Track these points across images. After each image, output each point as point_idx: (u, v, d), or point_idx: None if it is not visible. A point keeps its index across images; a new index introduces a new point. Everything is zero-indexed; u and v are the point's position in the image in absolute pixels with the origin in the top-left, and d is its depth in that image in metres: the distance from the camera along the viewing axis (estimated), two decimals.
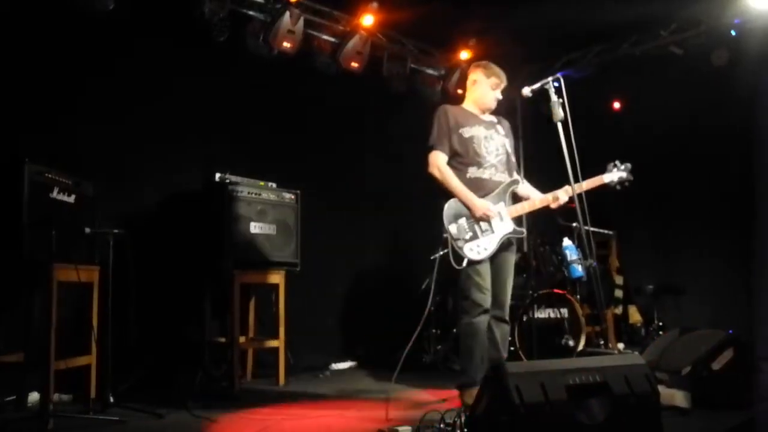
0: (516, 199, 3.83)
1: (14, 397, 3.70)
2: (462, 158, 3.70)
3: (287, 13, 5.07)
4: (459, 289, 3.65)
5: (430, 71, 6.44)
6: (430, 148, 3.73)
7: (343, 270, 5.83)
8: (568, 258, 5.36)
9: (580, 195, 3.50)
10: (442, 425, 2.97)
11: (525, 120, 6.82)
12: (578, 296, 5.46)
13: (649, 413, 2.58)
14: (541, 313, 5.12)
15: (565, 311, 5.16)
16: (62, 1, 4.16)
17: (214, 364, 4.52)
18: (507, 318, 3.75)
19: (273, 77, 5.30)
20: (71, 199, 3.71)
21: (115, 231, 3.74)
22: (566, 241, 5.48)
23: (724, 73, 5.60)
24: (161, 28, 4.61)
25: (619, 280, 6.59)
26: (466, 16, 5.57)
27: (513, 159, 3.88)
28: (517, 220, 3.76)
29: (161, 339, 4.45)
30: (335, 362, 5.51)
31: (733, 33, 5.56)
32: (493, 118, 3.92)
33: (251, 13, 5.14)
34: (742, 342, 3.59)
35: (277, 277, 4.69)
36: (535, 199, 3.77)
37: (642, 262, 6.48)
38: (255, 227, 4.53)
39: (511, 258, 3.78)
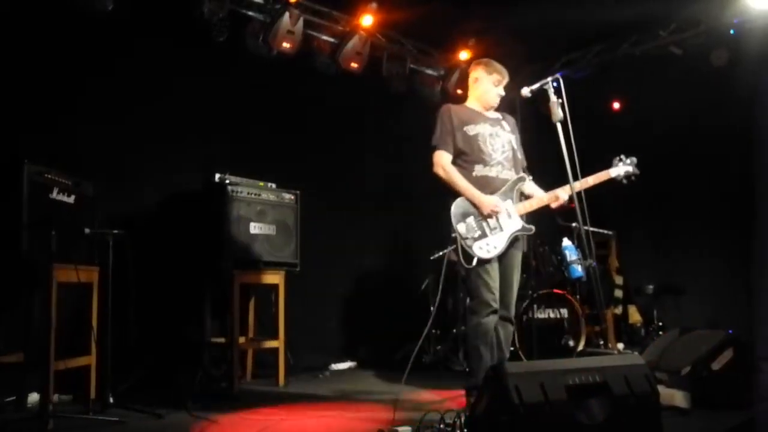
0: (523, 196, 3.80)
1: (14, 397, 3.70)
2: (467, 156, 3.66)
3: (287, 14, 5.07)
4: (467, 289, 3.62)
5: (429, 71, 6.44)
6: (434, 148, 3.69)
7: (343, 270, 5.83)
8: (568, 258, 5.37)
9: (579, 195, 3.49)
10: (442, 425, 2.97)
11: (525, 121, 6.81)
12: (578, 296, 5.47)
13: (648, 413, 2.58)
14: (541, 314, 5.12)
15: (564, 311, 5.17)
16: (62, 1, 4.16)
17: (214, 365, 4.52)
18: (512, 318, 3.74)
19: (273, 77, 5.30)
20: (71, 199, 3.72)
21: (115, 231, 3.74)
22: (566, 241, 5.48)
23: (724, 73, 5.60)
24: (161, 28, 4.61)
25: (618, 280, 6.59)
26: (465, 17, 5.57)
27: (519, 155, 3.84)
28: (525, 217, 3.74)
29: (161, 339, 4.45)
30: (335, 362, 5.51)
31: (732, 33, 5.56)
32: (498, 115, 3.88)
33: (251, 13, 5.14)
34: (742, 342, 3.59)
35: (276, 278, 4.69)
36: (542, 196, 3.74)
37: (642, 262, 6.48)
38: (255, 227, 4.53)
39: (519, 256, 3.74)
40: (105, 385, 3.68)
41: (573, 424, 2.42)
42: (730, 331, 3.65)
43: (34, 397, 3.69)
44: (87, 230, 3.75)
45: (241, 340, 4.63)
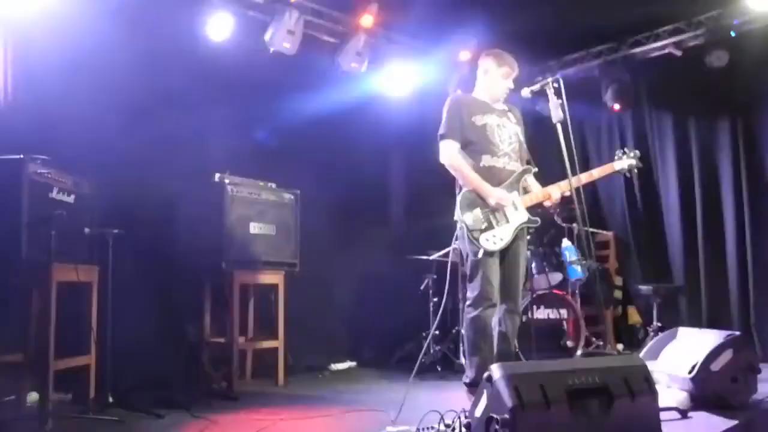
0: (523, 190, 3.79)
1: (13, 397, 3.69)
2: (475, 146, 3.64)
3: (287, 14, 5.06)
4: (467, 280, 3.61)
5: (428, 71, 6.42)
6: (442, 137, 3.67)
7: (342, 270, 5.83)
8: (568, 259, 5.37)
9: (579, 196, 3.49)
10: (441, 426, 2.97)
11: (525, 122, 6.81)
12: (577, 297, 5.47)
13: (648, 414, 2.58)
14: (541, 314, 5.12)
15: (564, 312, 5.16)
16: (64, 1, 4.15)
17: (214, 365, 4.51)
18: (519, 311, 3.72)
19: (272, 77, 5.29)
20: (71, 199, 3.71)
21: (115, 231, 3.74)
22: (565, 242, 5.48)
23: (724, 74, 5.60)
24: (161, 27, 4.60)
25: (618, 280, 6.60)
26: (465, 17, 5.57)
27: (524, 147, 3.84)
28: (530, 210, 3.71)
29: (161, 339, 4.45)
30: (335, 363, 5.51)
31: (732, 34, 5.55)
32: (504, 107, 3.86)
33: (251, 13, 5.13)
34: (742, 343, 3.59)
35: (276, 278, 4.69)
36: (537, 192, 3.73)
37: (641, 263, 6.47)
38: (254, 227, 4.53)
39: (524, 249, 3.73)
40: (104, 384, 3.68)
41: (572, 425, 2.42)
42: (730, 332, 3.65)
43: (33, 397, 3.68)
44: (87, 230, 3.76)
45: (241, 340, 4.63)
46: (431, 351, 5.25)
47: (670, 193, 6.18)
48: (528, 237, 3.91)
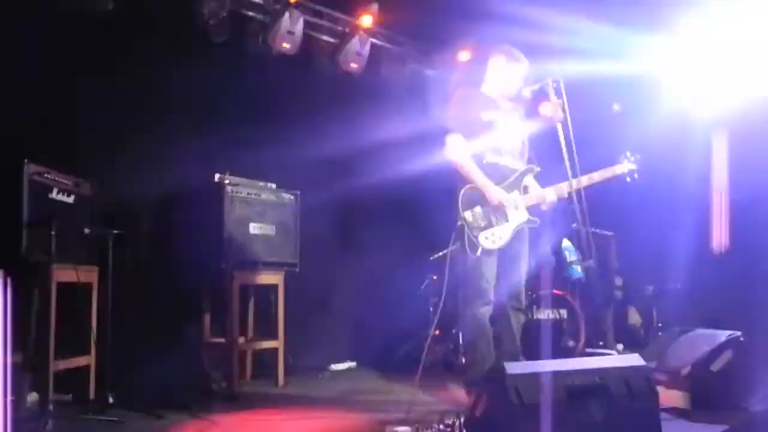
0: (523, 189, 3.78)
1: (13, 397, 3.69)
2: (480, 142, 3.62)
3: (287, 14, 5.07)
4: (463, 278, 3.59)
5: (429, 72, 6.43)
6: (448, 131, 3.66)
7: (342, 270, 5.83)
8: (568, 259, 5.37)
9: (579, 196, 3.49)
10: (441, 426, 2.97)
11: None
12: (578, 297, 5.47)
13: (648, 414, 2.58)
14: (541, 314, 5.12)
15: (564, 312, 5.16)
16: (62, 1, 4.15)
17: (213, 365, 4.51)
18: (524, 308, 3.72)
19: (272, 78, 5.29)
20: (71, 199, 3.71)
21: (115, 231, 3.74)
22: (565, 242, 5.48)
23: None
24: (161, 28, 4.61)
25: (618, 280, 6.59)
26: (465, 18, 5.56)
27: (527, 145, 3.83)
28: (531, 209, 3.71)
29: (160, 339, 4.44)
30: (334, 363, 5.51)
31: None
32: (512, 104, 3.85)
33: (251, 13, 5.14)
34: (741, 343, 3.59)
35: (276, 278, 4.69)
36: (534, 193, 3.73)
37: (641, 263, 6.47)
38: (254, 228, 4.52)
39: (525, 247, 3.72)
40: (104, 385, 3.67)
41: (573, 425, 2.42)
42: (730, 332, 3.65)
43: (33, 397, 3.68)
44: (86, 230, 3.75)
45: (241, 340, 4.62)
46: (431, 351, 5.24)
47: (670, 192, 6.18)
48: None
